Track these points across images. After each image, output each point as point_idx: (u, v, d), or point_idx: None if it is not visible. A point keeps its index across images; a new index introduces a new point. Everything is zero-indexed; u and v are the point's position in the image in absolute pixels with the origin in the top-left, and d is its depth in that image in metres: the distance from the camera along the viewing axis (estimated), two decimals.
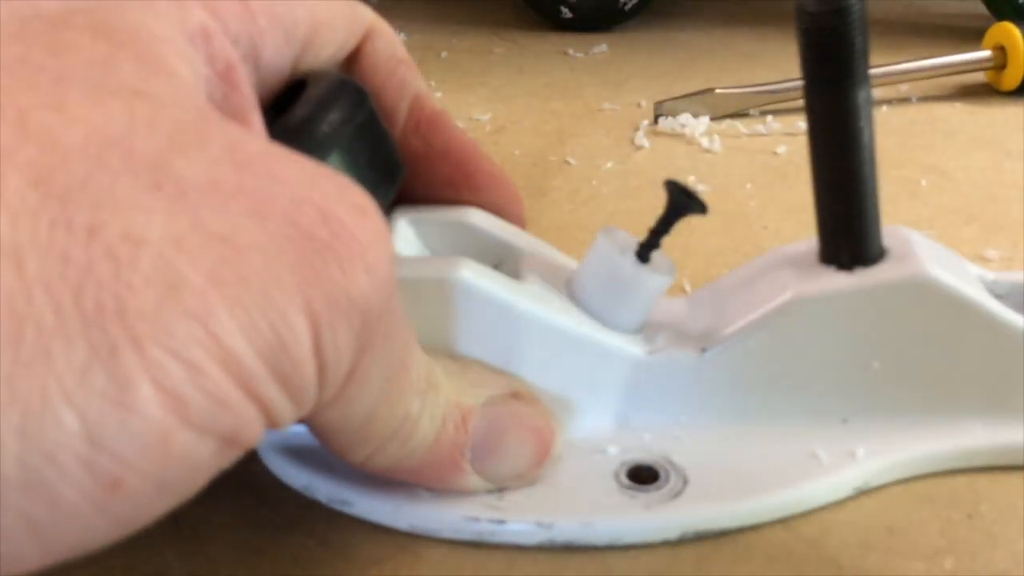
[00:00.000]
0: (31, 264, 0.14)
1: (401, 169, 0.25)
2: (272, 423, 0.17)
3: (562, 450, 0.24)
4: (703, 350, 0.25)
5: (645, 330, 0.26)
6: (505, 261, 0.26)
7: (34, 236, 0.14)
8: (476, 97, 0.54)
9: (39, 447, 0.14)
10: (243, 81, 0.20)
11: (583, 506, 0.23)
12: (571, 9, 0.66)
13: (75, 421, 0.14)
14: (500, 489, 0.23)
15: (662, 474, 0.24)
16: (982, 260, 0.35)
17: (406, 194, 0.26)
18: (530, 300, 0.24)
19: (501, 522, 0.23)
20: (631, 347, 0.25)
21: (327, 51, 0.24)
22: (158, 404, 0.14)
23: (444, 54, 0.63)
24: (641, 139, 0.47)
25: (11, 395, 0.13)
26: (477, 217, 0.26)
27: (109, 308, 0.14)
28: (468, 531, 0.23)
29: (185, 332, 0.15)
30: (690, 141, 0.47)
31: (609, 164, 0.45)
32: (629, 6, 0.65)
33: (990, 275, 0.27)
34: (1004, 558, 0.22)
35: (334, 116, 0.22)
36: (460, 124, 0.50)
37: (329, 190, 0.17)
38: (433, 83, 0.56)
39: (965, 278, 0.25)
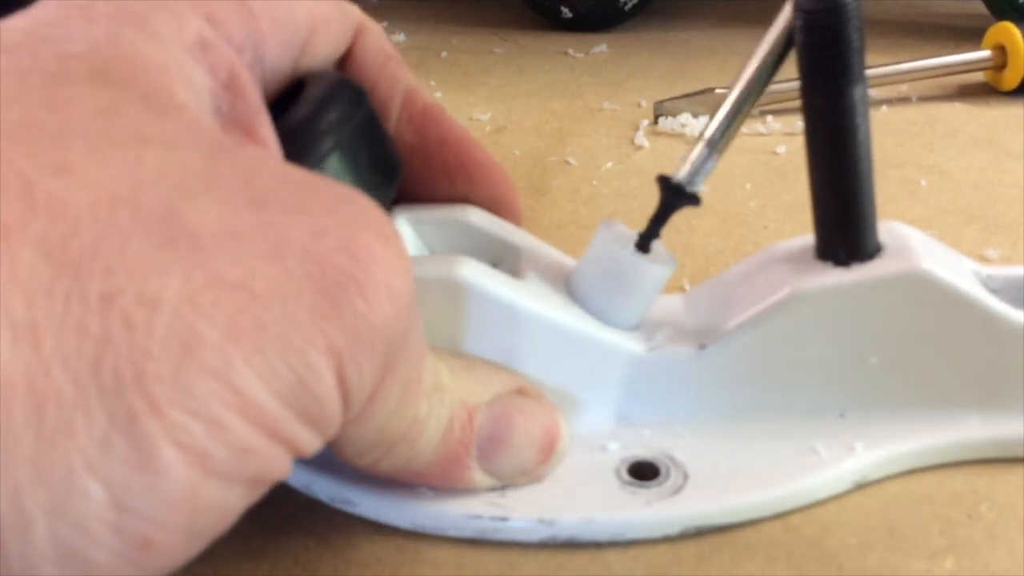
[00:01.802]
0: (48, 341, 0.14)
1: (400, 168, 0.25)
2: (298, 455, 0.17)
3: (568, 447, 0.24)
4: (702, 347, 0.25)
5: (644, 327, 0.26)
6: (504, 259, 0.26)
7: (49, 312, 0.14)
8: (476, 97, 0.54)
9: (68, 519, 0.14)
10: (249, 88, 0.20)
11: (585, 502, 0.23)
12: (571, 9, 0.66)
13: (100, 490, 0.14)
14: (503, 487, 0.23)
15: (663, 470, 0.24)
16: (982, 260, 0.35)
17: (401, 189, 0.26)
18: (531, 298, 0.24)
19: (504, 519, 0.23)
20: (630, 344, 0.25)
21: (324, 51, 0.24)
22: (181, 463, 0.14)
23: (444, 54, 0.63)
24: (641, 139, 0.47)
25: (36, 474, 0.14)
26: (476, 216, 0.26)
27: (127, 376, 0.14)
28: (471, 529, 0.23)
29: (204, 390, 0.15)
30: (690, 141, 0.47)
31: (609, 164, 0.45)
32: (629, 6, 0.65)
33: (985, 270, 0.27)
34: (1004, 558, 0.22)
35: (333, 116, 0.22)
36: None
37: (350, 214, 0.17)
38: (433, 83, 0.56)
39: (960, 273, 0.25)
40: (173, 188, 0.16)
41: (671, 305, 0.28)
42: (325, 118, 0.22)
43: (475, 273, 0.23)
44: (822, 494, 0.24)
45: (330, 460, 0.24)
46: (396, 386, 0.19)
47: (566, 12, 0.66)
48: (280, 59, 0.22)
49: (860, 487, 0.24)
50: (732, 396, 0.26)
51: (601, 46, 0.63)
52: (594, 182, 0.43)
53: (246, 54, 0.20)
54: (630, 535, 0.23)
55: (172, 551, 0.15)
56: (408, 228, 0.26)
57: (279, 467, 0.16)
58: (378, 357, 0.17)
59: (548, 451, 0.24)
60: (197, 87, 0.18)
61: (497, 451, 0.23)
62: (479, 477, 0.23)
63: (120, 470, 0.14)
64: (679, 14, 0.71)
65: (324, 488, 0.24)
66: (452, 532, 0.23)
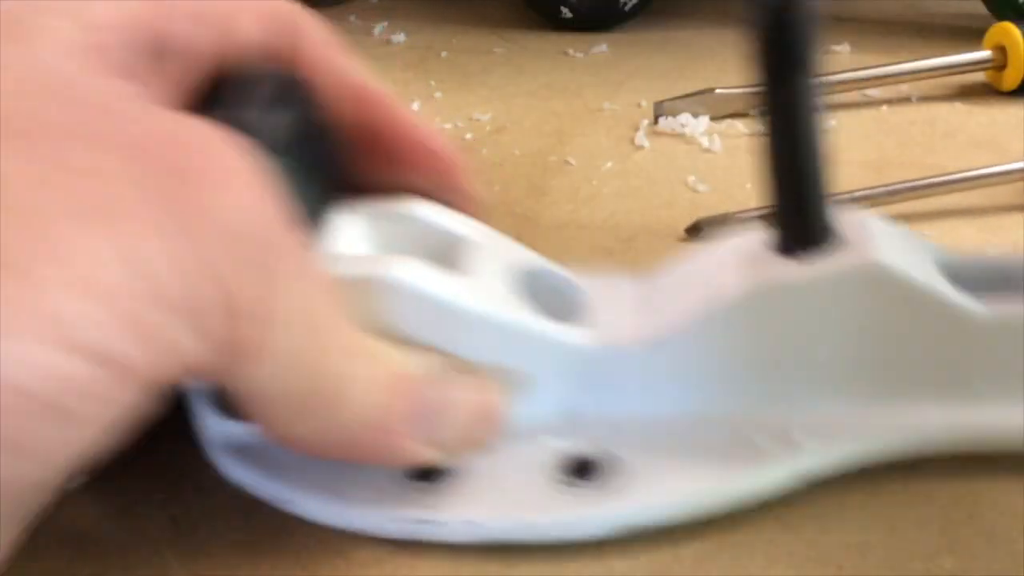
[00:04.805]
0: None
1: (347, 162, 0.25)
2: (179, 354, 0.17)
3: (508, 418, 0.23)
4: (650, 341, 0.25)
5: (590, 319, 0.25)
6: (453, 253, 0.26)
7: None
8: (476, 97, 0.54)
9: None
10: (153, 81, 0.21)
11: (517, 503, 0.23)
12: (571, 9, 0.66)
13: None
14: (433, 480, 0.23)
15: (604, 467, 0.24)
16: None
17: (348, 178, 0.26)
18: (469, 295, 0.23)
19: (429, 521, 0.23)
20: (575, 338, 0.25)
21: (251, 36, 0.23)
22: (35, 334, 0.15)
23: (444, 54, 0.63)
24: (641, 139, 0.47)
25: None
26: (423, 210, 0.26)
27: None
28: (394, 529, 0.23)
29: (55, 270, 0.15)
30: (690, 141, 0.47)
31: (609, 164, 0.45)
32: (629, 6, 0.65)
33: (950, 256, 0.26)
34: (1004, 558, 0.22)
35: (279, 115, 0.22)
36: (460, 124, 0.50)
37: (198, 129, 0.18)
38: (433, 83, 0.56)
39: (920, 263, 0.24)
40: (30, 96, 0.17)
41: (619, 296, 0.27)
42: (271, 116, 0.22)
43: (409, 273, 0.23)
44: (770, 492, 0.23)
45: (276, 460, 0.24)
46: (293, 313, 0.19)
47: (566, 12, 0.66)
48: (195, 37, 0.22)
49: (813, 486, 0.24)
50: (680, 391, 0.25)
51: (601, 46, 0.63)
52: (594, 182, 0.43)
53: (149, 45, 0.21)
54: (564, 536, 0.23)
55: (32, 422, 0.15)
56: (356, 223, 0.25)
57: (150, 360, 0.16)
58: (236, 255, 0.17)
59: (487, 419, 0.23)
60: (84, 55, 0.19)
61: (434, 421, 0.22)
62: (416, 448, 0.22)
63: None
64: (679, 14, 0.71)
65: (268, 488, 0.24)
66: (375, 531, 0.23)
